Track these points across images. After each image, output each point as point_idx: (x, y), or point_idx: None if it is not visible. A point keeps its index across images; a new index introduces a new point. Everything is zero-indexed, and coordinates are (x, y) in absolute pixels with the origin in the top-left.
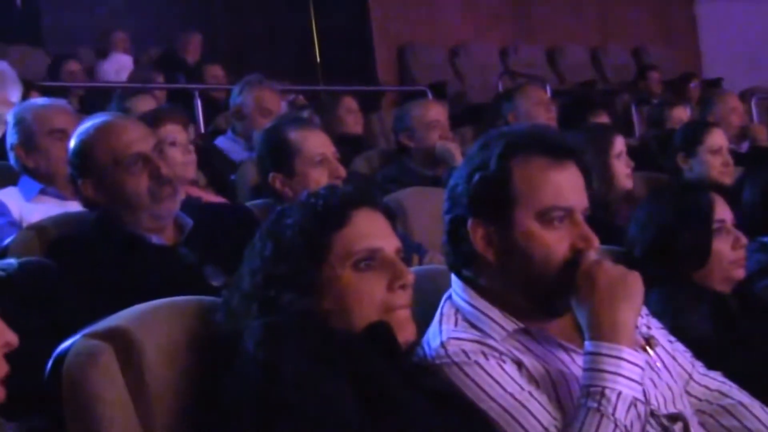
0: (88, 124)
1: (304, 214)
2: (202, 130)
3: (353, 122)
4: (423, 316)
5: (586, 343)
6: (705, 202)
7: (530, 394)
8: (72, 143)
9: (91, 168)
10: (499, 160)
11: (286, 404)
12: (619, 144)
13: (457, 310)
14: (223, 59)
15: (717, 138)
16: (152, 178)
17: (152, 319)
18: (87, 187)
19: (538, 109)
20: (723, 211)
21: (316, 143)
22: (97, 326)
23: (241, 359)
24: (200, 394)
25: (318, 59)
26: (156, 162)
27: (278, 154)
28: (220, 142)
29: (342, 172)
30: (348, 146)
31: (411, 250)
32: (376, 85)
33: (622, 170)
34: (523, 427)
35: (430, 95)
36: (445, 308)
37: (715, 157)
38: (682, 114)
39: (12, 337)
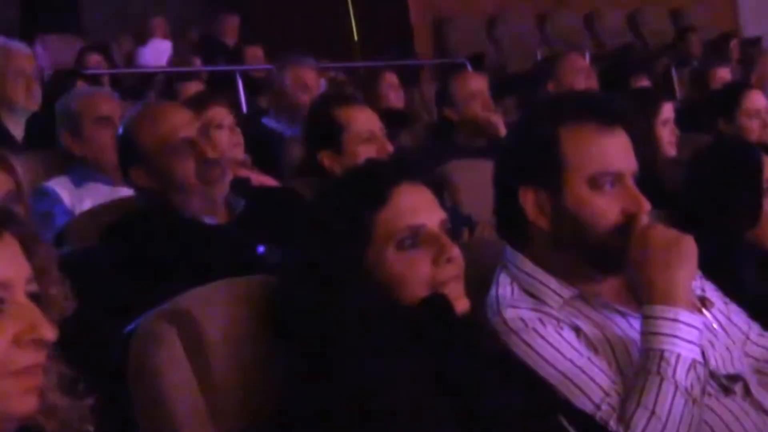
0: (134, 111)
1: (344, 194)
2: (245, 111)
3: (395, 97)
4: (477, 288)
5: (643, 306)
6: (754, 162)
7: (589, 359)
8: (120, 131)
9: (139, 155)
10: (548, 126)
11: (353, 383)
12: (667, 111)
13: (513, 279)
14: (262, 40)
15: (754, 100)
16: (199, 161)
17: (213, 300)
18: (136, 173)
19: (578, 76)
20: None
21: (363, 120)
22: (160, 309)
23: (300, 339)
24: (262, 373)
25: (355, 36)
26: (202, 145)
27: (326, 131)
28: (265, 122)
29: (390, 147)
30: (391, 121)
31: (461, 222)
32: (414, 60)
33: (667, 137)
34: (583, 392)
35: (469, 67)
36: (500, 278)
37: (753, 120)
38: (724, 74)
39: (48, 334)
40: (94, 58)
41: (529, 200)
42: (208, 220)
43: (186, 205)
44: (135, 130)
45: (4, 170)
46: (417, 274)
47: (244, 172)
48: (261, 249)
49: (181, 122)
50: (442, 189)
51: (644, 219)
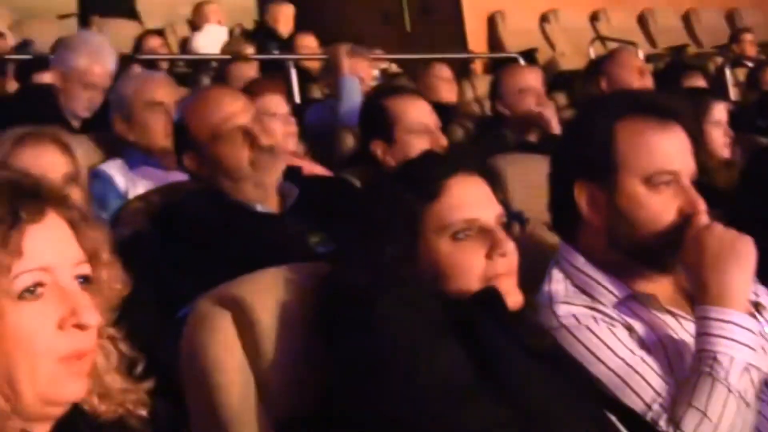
0: (190, 97)
1: (399, 185)
2: (297, 101)
3: (447, 90)
4: (527, 284)
5: (696, 307)
6: None
7: (642, 359)
8: (175, 117)
9: (193, 141)
10: (605, 122)
11: (402, 371)
12: (718, 111)
13: (566, 275)
14: (316, 29)
15: None
16: (253, 148)
17: (266, 287)
18: (190, 159)
19: (632, 74)
20: None
21: (417, 112)
22: (213, 294)
23: (352, 328)
24: (311, 361)
25: (408, 28)
26: (256, 133)
27: (379, 122)
28: (317, 110)
29: (443, 141)
30: (443, 114)
31: (511, 218)
32: (466, 53)
33: (719, 138)
34: (635, 391)
35: (521, 62)
36: (553, 274)
37: None
38: None
39: (91, 318)
40: (152, 43)
41: (583, 196)
42: (260, 207)
43: (238, 192)
44: (190, 116)
45: (63, 152)
46: (470, 266)
47: (296, 162)
48: (316, 237)
49: (235, 109)
50: (498, 182)
51: (701, 219)
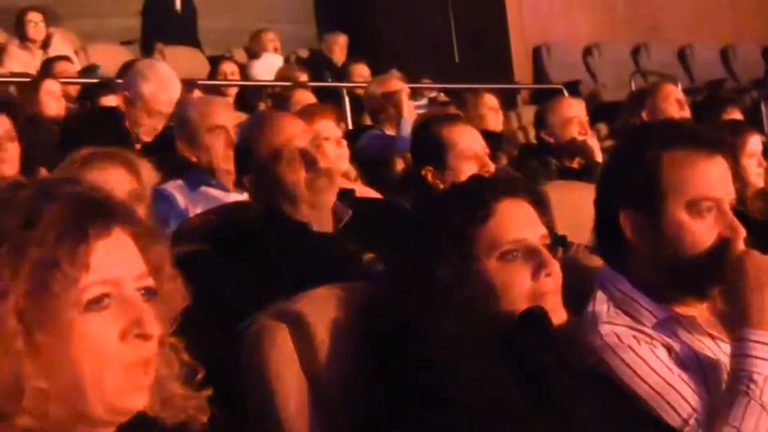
0: (251, 121)
1: (449, 208)
2: (350, 127)
3: (494, 119)
4: (570, 304)
5: (735, 330)
6: None
7: (680, 377)
8: (237, 139)
9: (254, 163)
10: (651, 152)
11: (456, 402)
12: (753, 143)
13: (610, 297)
14: (368, 59)
15: None
16: (310, 170)
17: (322, 303)
18: (250, 180)
19: (672, 106)
20: None
21: (469, 139)
22: (272, 309)
23: (403, 347)
24: (365, 375)
25: (457, 59)
26: (313, 155)
27: (432, 148)
28: (369, 136)
29: (492, 167)
30: (490, 142)
31: (555, 242)
32: (511, 84)
33: (754, 169)
34: (673, 407)
35: (565, 93)
36: (597, 295)
37: None
38: None
39: (153, 329)
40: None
41: (629, 222)
42: (315, 227)
43: (295, 212)
44: (251, 138)
45: (129, 171)
46: (517, 286)
47: (349, 184)
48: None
49: (295, 132)
50: (544, 206)
51: (740, 245)
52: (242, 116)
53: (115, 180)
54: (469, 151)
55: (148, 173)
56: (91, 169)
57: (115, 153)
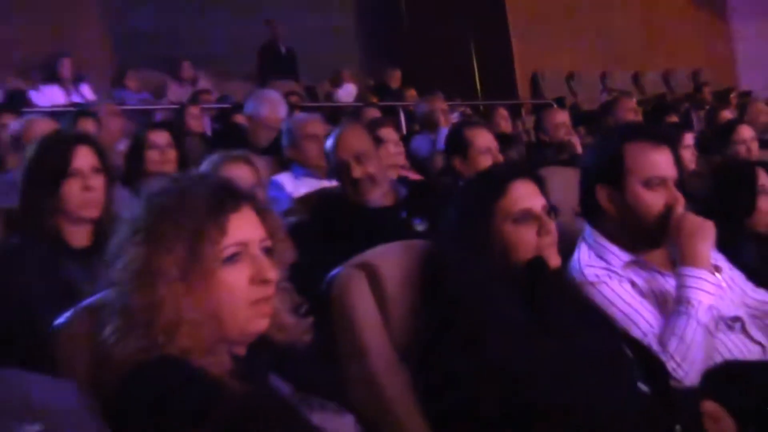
0: (334, 132)
1: (478, 186)
2: (404, 132)
3: (505, 125)
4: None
5: (678, 268)
6: (750, 173)
7: (640, 303)
8: (327, 144)
9: (337, 163)
10: (618, 144)
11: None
12: (687, 139)
13: (589, 247)
14: (416, 85)
15: (744, 132)
16: (363, 171)
17: (388, 255)
18: (335, 173)
19: (629, 113)
20: (763, 179)
21: (484, 138)
22: (352, 261)
23: (448, 289)
24: (421, 309)
25: (477, 84)
26: (366, 160)
27: (459, 144)
28: (417, 139)
29: (501, 158)
30: (502, 142)
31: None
32: (516, 100)
33: (688, 157)
34: (636, 325)
35: (555, 105)
36: (581, 247)
37: (741, 146)
38: (727, 115)
39: (273, 275)
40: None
41: (602, 195)
42: (378, 203)
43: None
44: (332, 144)
45: (250, 167)
46: (525, 242)
47: (404, 172)
48: (417, 221)
49: (356, 143)
50: (543, 184)
51: (680, 209)
52: (329, 128)
53: (241, 173)
54: (484, 147)
55: (263, 168)
56: (224, 166)
57: (240, 155)
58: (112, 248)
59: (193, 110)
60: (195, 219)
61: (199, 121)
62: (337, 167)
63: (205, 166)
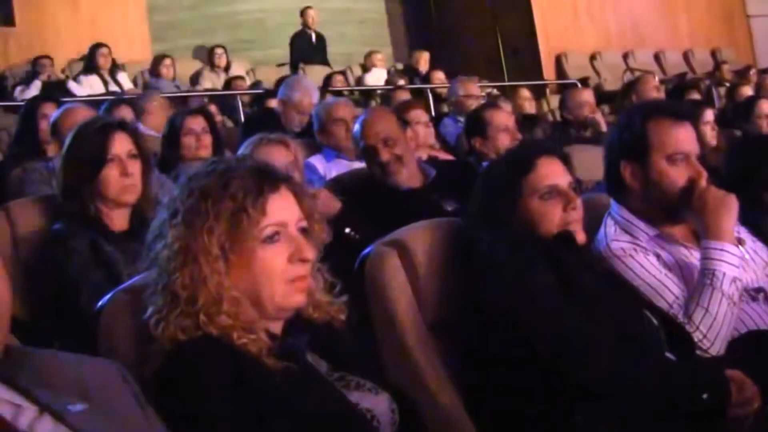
0: (359, 117)
1: (505, 164)
2: (433, 114)
3: (528, 106)
4: (589, 227)
5: (702, 241)
6: None
7: (666, 275)
8: (354, 127)
9: (364, 146)
10: (641, 121)
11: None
12: (708, 115)
13: (615, 222)
14: (444, 68)
15: (763, 107)
16: (391, 154)
17: (419, 233)
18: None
19: (652, 92)
20: None
21: (501, 118)
22: (385, 239)
23: (477, 261)
24: (452, 283)
25: (504, 65)
26: (395, 143)
27: (479, 125)
28: (446, 121)
29: (519, 136)
30: (527, 121)
31: (576, 186)
32: (541, 80)
33: (709, 133)
34: (662, 296)
35: (579, 85)
36: (607, 221)
37: (761, 120)
38: (747, 91)
39: (310, 254)
40: (338, 79)
41: (627, 170)
42: (408, 184)
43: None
44: (359, 126)
45: (286, 148)
46: (552, 216)
47: (434, 152)
48: (447, 201)
49: (384, 126)
50: (569, 161)
51: (703, 183)
52: (358, 111)
53: (278, 155)
54: (502, 125)
55: (298, 150)
56: (261, 148)
57: (278, 137)
58: (153, 230)
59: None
60: (236, 200)
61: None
62: (365, 151)
63: (244, 149)
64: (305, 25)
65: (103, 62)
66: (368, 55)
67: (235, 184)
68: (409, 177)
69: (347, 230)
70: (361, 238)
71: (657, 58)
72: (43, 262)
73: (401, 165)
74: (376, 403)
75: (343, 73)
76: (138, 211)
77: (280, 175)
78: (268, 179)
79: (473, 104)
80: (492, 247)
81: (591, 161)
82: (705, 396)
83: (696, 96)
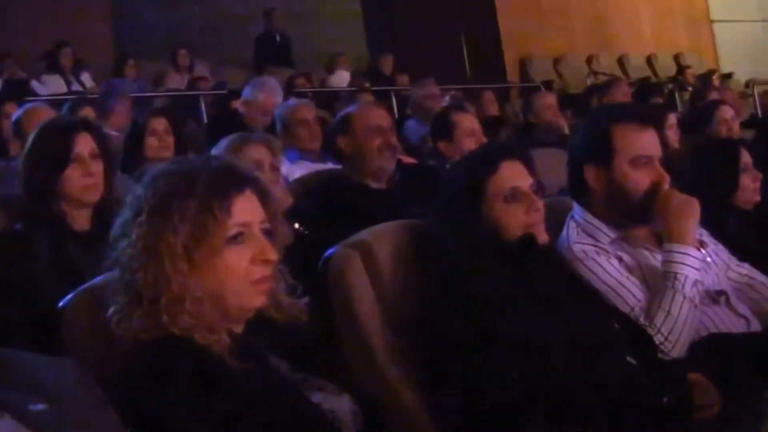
0: (344, 112)
1: (469, 167)
2: (396, 117)
3: (493, 109)
4: (552, 230)
5: (664, 245)
6: (733, 151)
7: (627, 278)
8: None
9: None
10: (605, 124)
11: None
12: (671, 119)
13: (577, 224)
14: (408, 71)
15: (725, 112)
16: (384, 142)
17: (382, 235)
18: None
19: (625, 97)
20: (746, 157)
21: (468, 121)
22: (348, 240)
23: (440, 263)
24: (415, 286)
25: (467, 68)
26: (389, 133)
27: (444, 128)
28: (409, 123)
29: (484, 139)
30: (491, 124)
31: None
32: (505, 83)
33: (672, 137)
34: (623, 299)
35: (542, 89)
36: (569, 224)
37: (722, 125)
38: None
39: (273, 256)
40: (300, 81)
41: (590, 174)
42: (374, 185)
43: (361, 174)
44: (348, 119)
45: (267, 148)
46: (515, 219)
47: (398, 155)
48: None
49: (378, 118)
50: (531, 163)
51: (666, 187)
52: (320, 112)
53: (260, 155)
54: (468, 129)
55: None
56: (245, 148)
57: (260, 137)
58: (116, 229)
59: None
60: (201, 200)
61: None
62: (359, 142)
63: (221, 148)
64: (270, 26)
65: (66, 62)
66: (332, 57)
67: (202, 183)
68: (378, 175)
69: (296, 225)
70: (312, 234)
71: (620, 62)
72: (3, 262)
73: (394, 153)
74: (339, 404)
75: (306, 75)
76: (100, 211)
77: (245, 176)
78: (233, 180)
79: (434, 105)
80: (454, 250)
81: (554, 164)
82: (665, 399)
83: (659, 100)
